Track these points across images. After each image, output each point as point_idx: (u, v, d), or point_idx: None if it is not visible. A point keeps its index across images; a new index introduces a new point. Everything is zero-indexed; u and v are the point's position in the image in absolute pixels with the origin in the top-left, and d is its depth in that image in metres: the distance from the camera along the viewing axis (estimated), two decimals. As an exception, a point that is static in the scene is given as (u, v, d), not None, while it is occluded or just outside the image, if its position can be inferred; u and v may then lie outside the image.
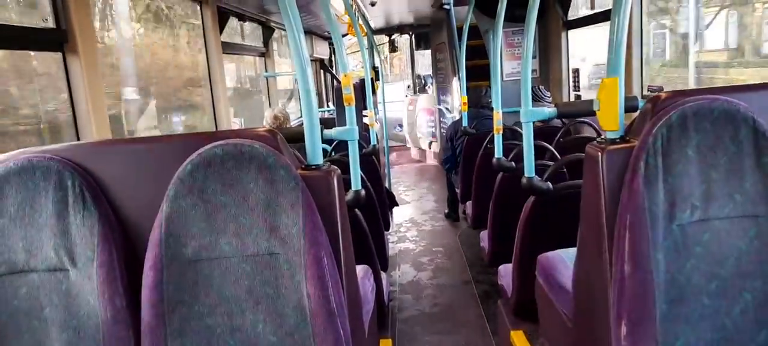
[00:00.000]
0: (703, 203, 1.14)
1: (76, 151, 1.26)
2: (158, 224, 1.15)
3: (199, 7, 3.54)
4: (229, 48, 3.96)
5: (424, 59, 9.54)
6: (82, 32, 2.01)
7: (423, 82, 9.01)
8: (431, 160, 7.99)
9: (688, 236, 1.15)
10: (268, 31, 5.11)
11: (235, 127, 4.18)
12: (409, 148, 8.77)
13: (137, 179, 1.26)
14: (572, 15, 4.34)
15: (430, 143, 7.92)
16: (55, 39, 1.98)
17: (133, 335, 1.17)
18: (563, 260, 1.76)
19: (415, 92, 9.05)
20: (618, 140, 1.27)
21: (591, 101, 1.40)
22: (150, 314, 1.14)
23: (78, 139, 2.08)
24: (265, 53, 5.12)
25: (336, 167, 1.31)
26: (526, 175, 2.04)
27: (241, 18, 4.33)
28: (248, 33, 4.96)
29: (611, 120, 1.28)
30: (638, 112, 1.34)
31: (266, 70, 5.17)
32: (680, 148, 1.14)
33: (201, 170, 1.15)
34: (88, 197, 1.18)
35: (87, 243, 1.17)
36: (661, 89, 3.22)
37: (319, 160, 1.32)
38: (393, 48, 8.70)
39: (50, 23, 1.99)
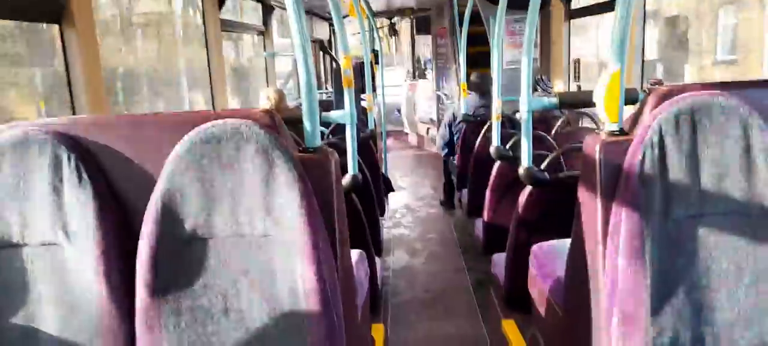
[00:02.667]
0: (698, 198, 1.15)
1: (73, 126, 1.25)
2: (154, 202, 1.15)
3: (198, -17, 3.49)
4: (228, 26, 3.92)
5: (424, 45, 9.48)
6: (79, 6, 1.98)
7: (423, 67, 8.97)
8: (428, 147, 7.98)
9: (683, 231, 1.15)
10: (267, 10, 5.06)
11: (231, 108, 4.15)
12: (407, 133, 8.75)
13: (134, 155, 1.24)
14: (575, 4, 4.32)
15: (428, 129, 7.91)
16: (53, 10, 1.95)
17: (127, 313, 1.17)
18: (557, 251, 1.77)
19: (414, 77, 9.01)
20: (617, 132, 1.27)
21: (592, 92, 1.40)
22: (145, 291, 1.14)
23: (74, 113, 2.06)
24: (264, 32, 5.06)
25: (334, 151, 1.30)
26: (523, 164, 2.04)
27: (241, -5, 4.27)
28: (247, 11, 4.89)
29: (611, 112, 1.27)
30: (638, 104, 1.34)
31: (265, 50, 5.13)
32: (678, 142, 1.14)
33: (198, 149, 1.14)
34: (84, 172, 1.17)
35: (82, 219, 1.16)
36: (660, 83, 3.21)
37: (318, 142, 1.31)
38: (393, 32, 8.64)
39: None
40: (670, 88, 1.24)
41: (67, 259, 1.17)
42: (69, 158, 1.17)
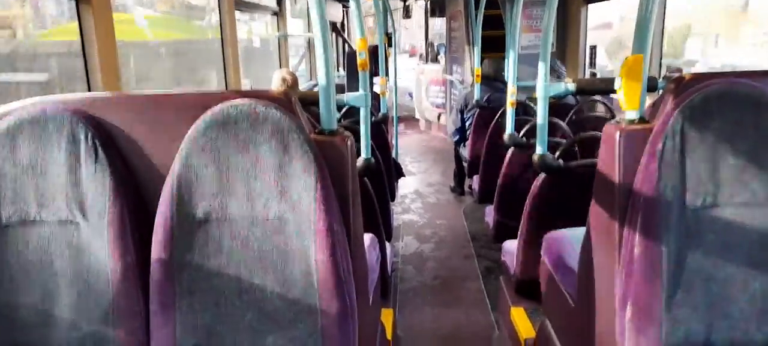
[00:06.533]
0: (718, 189, 1.13)
1: (90, 103, 1.25)
2: (170, 182, 1.15)
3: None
4: (241, 5, 3.89)
5: (437, 27, 9.39)
6: None
7: (436, 51, 8.90)
8: (439, 132, 7.94)
9: (701, 221, 1.13)
10: (281, -9, 5.03)
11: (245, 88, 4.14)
12: (418, 118, 8.71)
13: (150, 134, 1.24)
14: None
15: (439, 115, 7.86)
16: None
17: (142, 291, 1.18)
18: (570, 240, 1.76)
19: (427, 61, 8.94)
20: (637, 121, 1.24)
21: (612, 79, 1.37)
22: (159, 271, 1.14)
23: (89, 90, 2.07)
24: (278, 13, 5.03)
25: (350, 134, 1.29)
26: (538, 151, 2.02)
27: (256, -25, 4.24)
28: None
29: (632, 99, 1.25)
30: (659, 92, 1.31)
31: (279, 30, 5.10)
32: (700, 131, 1.11)
33: (214, 129, 1.13)
34: (101, 149, 1.17)
35: (98, 197, 1.16)
36: (680, 71, 3.15)
37: (334, 125, 1.30)
38: (407, 14, 8.55)
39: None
40: (692, 77, 1.21)
41: (82, 237, 1.18)
42: (86, 136, 1.17)
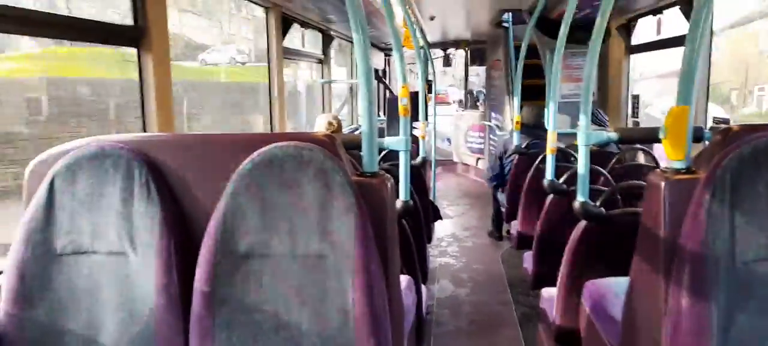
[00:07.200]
0: None
1: (144, 143, 1.32)
2: (215, 218, 1.19)
3: (264, 13, 3.67)
4: (290, 53, 4.08)
5: (476, 75, 9.50)
6: (157, 30, 2.13)
7: (475, 97, 8.97)
8: (476, 177, 7.91)
9: (753, 275, 1.09)
10: (327, 39, 5.24)
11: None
12: (456, 163, 8.72)
13: (198, 172, 1.30)
14: (635, 40, 4.23)
15: (478, 160, 7.84)
16: (132, 35, 2.11)
17: (183, 323, 1.21)
18: (612, 289, 1.71)
19: (465, 107, 9.00)
20: (683, 171, 1.23)
21: (656, 129, 1.37)
22: (200, 304, 1.18)
23: (144, 131, 2.20)
24: (322, 60, 5.24)
25: (390, 177, 1.33)
26: (579, 198, 2.00)
27: (304, 25, 4.45)
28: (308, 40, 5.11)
29: (678, 149, 1.24)
30: (705, 143, 1.29)
31: (322, 77, 5.29)
32: (750, 183, 1.09)
33: (260, 169, 1.19)
34: (153, 186, 1.24)
35: (148, 231, 1.22)
36: (727, 121, 3.07)
37: (375, 167, 1.34)
38: (447, 62, 8.70)
39: (129, 20, 2.12)
40: (740, 128, 1.20)
41: (130, 269, 1.23)
42: (140, 173, 1.24)
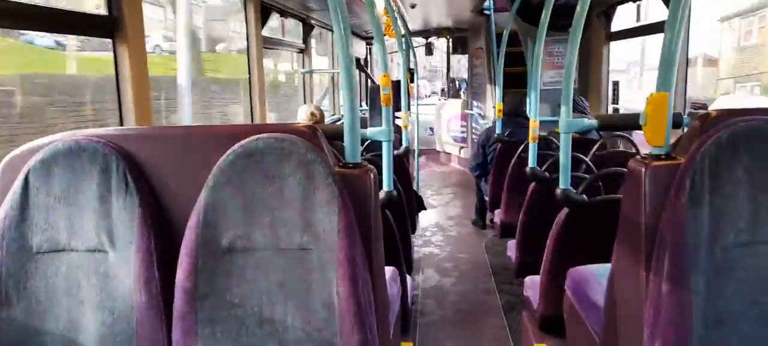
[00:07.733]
0: (750, 226, 1.10)
1: (122, 137, 1.29)
2: (196, 212, 1.17)
3: (243, 1, 3.61)
4: (269, 43, 4.02)
5: (459, 64, 9.50)
6: (132, 21, 2.08)
7: (457, 86, 8.98)
8: (460, 166, 7.94)
9: (732, 259, 1.11)
10: (307, 28, 5.17)
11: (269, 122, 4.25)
12: (439, 152, 8.74)
13: (178, 166, 1.28)
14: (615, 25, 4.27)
15: (461, 149, 7.87)
16: (107, 26, 2.05)
17: (165, 320, 1.19)
18: (595, 276, 1.73)
19: (448, 96, 9.02)
20: (663, 157, 1.24)
21: (635, 115, 1.37)
22: (182, 300, 1.16)
23: (121, 125, 2.15)
24: (303, 50, 5.18)
25: (373, 167, 1.32)
26: (561, 186, 2.01)
27: (284, 14, 4.39)
28: (289, 29, 5.04)
29: (657, 135, 1.24)
30: (683, 129, 1.30)
31: (304, 67, 5.23)
32: (729, 168, 1.10)
33: (241, 162, 1.17)
34: (131, 181, 1.21)
35: (127, 227, 1.19)
36: (705, 107, 3.12)
37: (358, 158, 1.32)
38: (429, 51, 8.69)
39: (103, 10, 2.06)
40: (718, 113, 1.21)
41: (110, 265, 1.20)
42: (117, 168, 1.20)
